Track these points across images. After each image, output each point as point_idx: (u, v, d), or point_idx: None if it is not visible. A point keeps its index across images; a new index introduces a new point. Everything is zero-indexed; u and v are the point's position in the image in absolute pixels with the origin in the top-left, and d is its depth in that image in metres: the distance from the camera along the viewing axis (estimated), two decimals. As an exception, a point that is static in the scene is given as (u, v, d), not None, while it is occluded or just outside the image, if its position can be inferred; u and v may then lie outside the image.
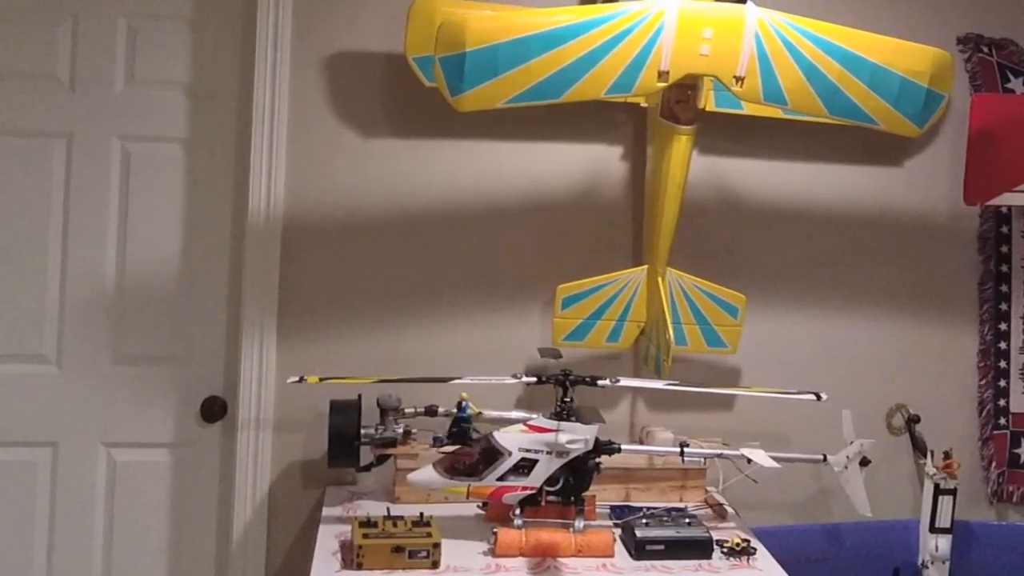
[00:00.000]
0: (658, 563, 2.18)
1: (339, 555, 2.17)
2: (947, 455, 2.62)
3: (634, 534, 2.22)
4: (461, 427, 2.36)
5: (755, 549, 2.25)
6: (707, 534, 2.24)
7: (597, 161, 2.67)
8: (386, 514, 2.23)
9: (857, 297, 2.80)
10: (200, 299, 2.66)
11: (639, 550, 2.19)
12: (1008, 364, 2.82)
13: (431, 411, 2.46)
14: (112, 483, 2.65)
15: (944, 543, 2.59)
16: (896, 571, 2.69)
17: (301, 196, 2.59)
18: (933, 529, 2.59)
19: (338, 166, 2.60)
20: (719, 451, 2.37)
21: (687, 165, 2.39)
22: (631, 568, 2.16)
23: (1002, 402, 2.82)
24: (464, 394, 2.36)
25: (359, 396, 2.40)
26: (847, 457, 2.39)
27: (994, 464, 2.83)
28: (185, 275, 2.65)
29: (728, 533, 2.33)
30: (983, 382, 2.84)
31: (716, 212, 2.72)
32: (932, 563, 2.60)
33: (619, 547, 2.24)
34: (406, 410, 2.45)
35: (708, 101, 2.53)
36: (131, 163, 2.62)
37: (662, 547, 2.20)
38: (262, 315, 2.58)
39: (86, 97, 2.60)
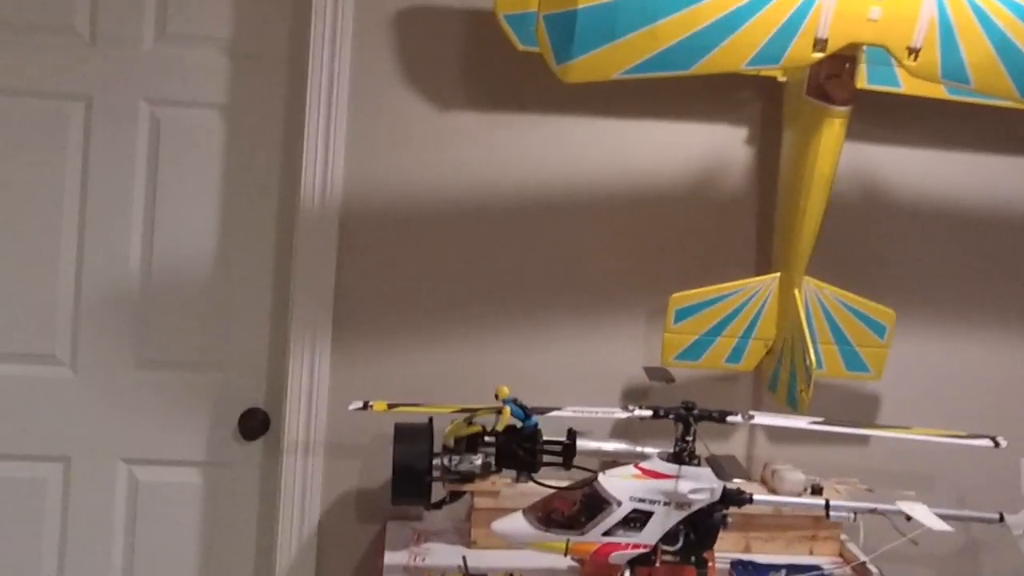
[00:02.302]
0: (807, 646, 1.81)
1: (412, 622, 1.82)
2: None
3: (775, 608, 1.84)
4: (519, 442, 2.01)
5: (920, 630, 1.87)
6: (860, 609, 1.86)
7: (716, 145, 2.34)
8: (466, 570, 1.91)
9: (1017, 314, 2.46)
10: (240, 296, 2.40)
11: (780, 628, 1.82)
12: None
13: None
14: (133, 506, 2.41)
15: None
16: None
17: (363, 179, 2.29)
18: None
19: (407, 144, 2.29)
20: (872, 506, 1.97)
21: (838, 154, 2.04)
22: (774, 651, 1.79)
23: None
24: (504, 388, 1.99)
25: (430, 419, 2.07)
26: (1029, 518, 2.00)
27: None
28: (222, 267, 2.39)
29: (879, 603, 1.96)
30: None
31: (859, 210, 2.38)
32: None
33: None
34: (486, 438, 2.08)
35: (860, 76, 2.16)
36: (160, 132, 2.36)
37: (810, 626, 1.83)
38: (315, 319, 2.28)
39: (109, 54, 2.34)
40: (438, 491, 2.10)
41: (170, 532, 2.41)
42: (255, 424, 2.37)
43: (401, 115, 2.29)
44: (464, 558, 2.00)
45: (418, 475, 2.04)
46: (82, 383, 2.36)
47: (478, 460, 2.09)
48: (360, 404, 1.98)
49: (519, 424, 1.98)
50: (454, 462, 2.08)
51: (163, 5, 2.35)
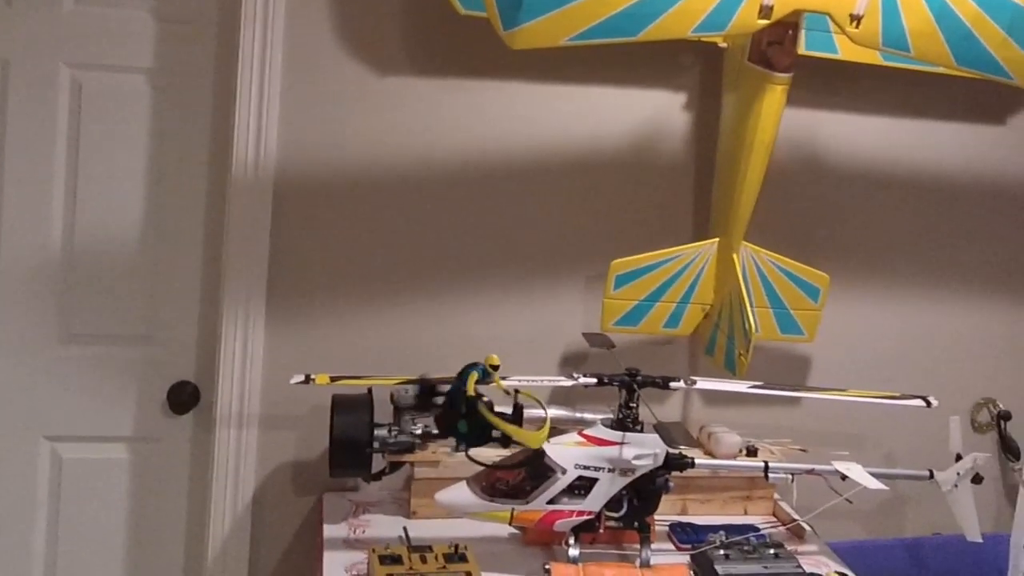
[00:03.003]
0: (745, 607, 1.83)
1: (356, 599, 1.79)
2: (1049, 461, 2.33)
3: (714, 570, 1.84)
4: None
5: (857, 587, 1.91)
6: (800, 570, 1.88)
7: (656, 111, 2.32)
8: (408, 542, 1.86)
9: (946, 277, 2.51)
10: (168, 268, 2.31)
11: (722, 589, 1.84)
12: (1110, 354, 2.52)
13: None
14: (57, 485, 2.32)
15: (1042, 561, 2.30)
16: (980, 592, 2.40)
17: (299, 146, 2.21)
18: (1030, 545, 2.30)
19: (345, 110, 2.22)
20: (809, 467, 2.01)
21: (779, 120, 2.04)
22: (715, 613, 1.81)
23: (1101, 397, 2.52)
24: (494, 357, 1.88)
25: (369, 390, 2.04)
26: (957, 474, 2.05)
27: (1088, 467, 2.55)
28: (150, 237, 2.29)
29: (815, 561, 1.99)
30: (1082, 374, 2.55)
31: (795, 176, 2.39)
32: (1024, 584, 2.30)
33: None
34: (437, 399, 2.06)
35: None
36: (83, 97, 2.23)
37: (749, 587, 1.85)
38: (248, 289, 2.22)
39: (28, 15, 2.21)
40: (377, 462, 2.06)
41: (96, 510, 2.33)
42: (185, 398, 2.30)
43: (338, 80, 2.22)
44: (405, 529, 1.96)
45: (358, 446, 2.00)
46: (1, 359, 2.25)
47: (417, 428, 2.08)
48: (301, 378, 1.92)
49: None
50: (394, 433, 2.06)
51: (84, -40, 2.24)
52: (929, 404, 2.07)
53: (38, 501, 2.30)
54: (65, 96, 2.22)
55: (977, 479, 2.08)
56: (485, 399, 1.86)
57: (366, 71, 2.21)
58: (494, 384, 1.86)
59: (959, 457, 2.10)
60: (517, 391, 1.91)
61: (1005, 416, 2.52)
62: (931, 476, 2.09)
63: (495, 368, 1.86)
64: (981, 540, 2.06)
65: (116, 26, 2.23)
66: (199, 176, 2.29)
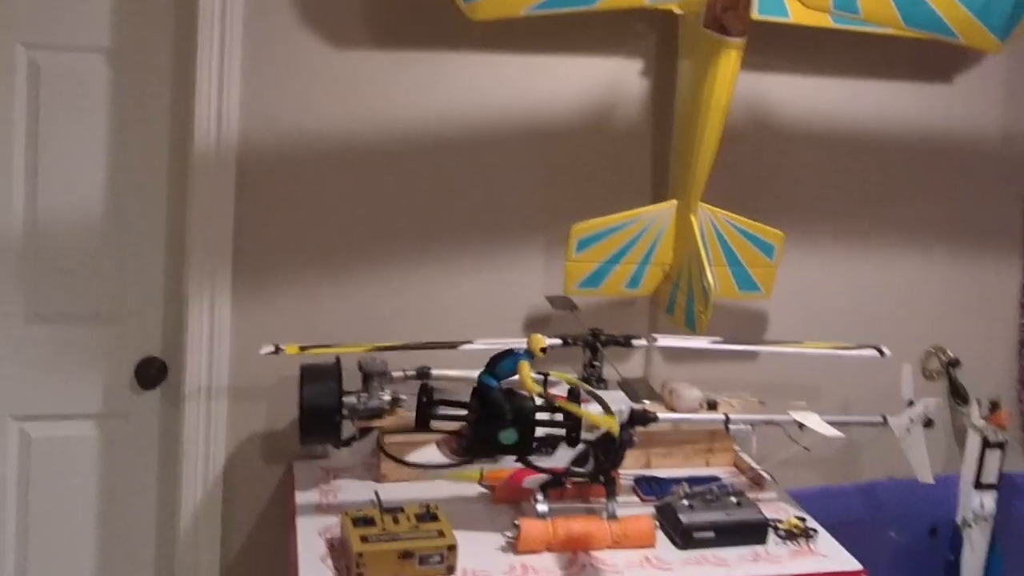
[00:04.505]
0: (708, 553, 1.88)
1: (330, 561, 1.81)
2: (996, 405, 2.40)
3: (678, 519, 1.91)
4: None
5: (815, 531, 1.97)
6: (760, 516, 1.95)
7: (613, 78, 2.31)
8: (380, 505, 1.88)
9: (896, 231, 2.55)
10: (133, 245, 2.27)
11: (686, 539, 1.89)
12: (1053, 300, 2.59)
13: (423, 373, 2.14)
14: (27, 464, 2.29)
15: (990, 500, 2.39)
16: (933, 531, 2.48)
17: (261, 120, 2.18)
18: (978, 485, 2.38)
19: (306, 83, 2.19)
20: (767, 417, 2.07)
21: (733, 84, 2.07)
22: (680, 561, 1.86)
23: (1044, 340, 2.60)
24: (540, 339, 1.75)
25: (337, 358, 2.06)
26: (910, 419, 2.12)
27: (1033, 408, 2.63)
28: (113, 215, 2.25)
29: (776, 508, 2.06)
30: (1024, 320, 2.63)
31: (749, 137, 2.40)
32: (975, 522, 2.38)
33: (659, 533, 1.93)
34: (394, 374, 2.11)
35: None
36: (41, 78, 2.18)
37: (712, 534, 1.90)
38: (213, 263, 2.19)
39: None
40: (347, 429, 2.06)
41: (67, 488, 2.30)
42: (152, 373, 2.28)
43: (298, 54, 2.18)
44: (376, 493, 1.96)
45: (328, 414, 2.01)
46: (-35, 340, 2.23)
47: (386, 395, 2.10)
48: (272, 348, 1.93)
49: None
50: (363, 400, 2.07)
51: (41, -56, 2.17)
52: (882, 353, 2.13)
53: (8, 481, 2.27)
54: (22, 77, 2.16)
55: (928, 423, 2.14)
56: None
57: (325, 45, 2.18)
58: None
59: (911, 403, 2.16)
60: (547, 375, 1.85)
61: (954, 363, 2.58)
62: (884, 422, 2.15)
63: (544, 351, 1.73)
64: (933, 481, 2.13)
65: (73, 5, 2.17)
66: (161, 153, 2.24)
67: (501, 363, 1.76)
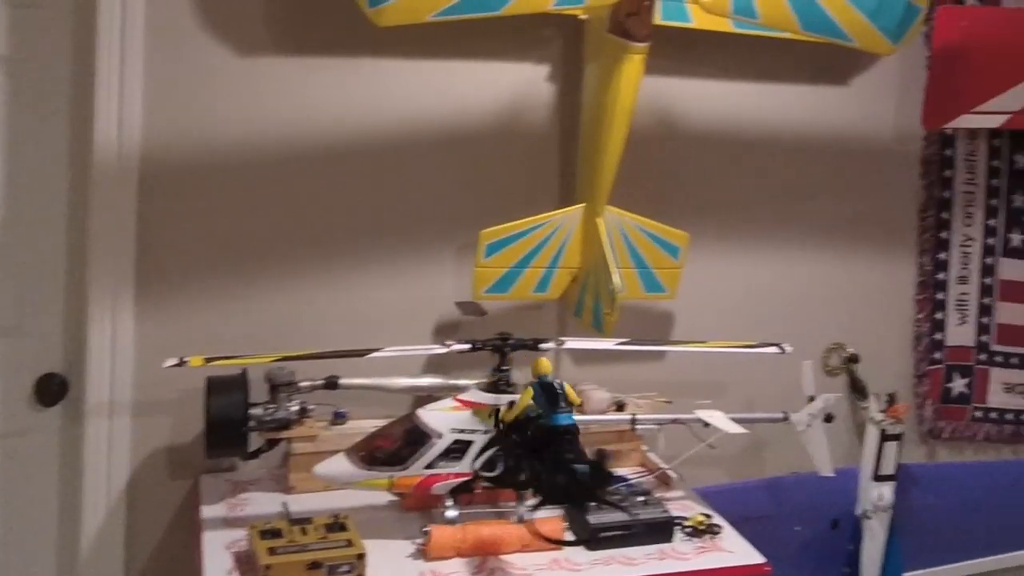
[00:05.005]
0: (617, 552, 1.91)
1: (237, 575, 1.78)
2: (892, 398, 2.48)
3: (586, 521, 1.92)
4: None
5: (720, 527, 2.01)
6: (666, 514, 1.98)
7: (520, 83, 2.32)
8: (287, 515, 1.87)
9: (796, 231, 2.60)
10: (31, 258, 2.18)
11: (594, 539, 1.91)
12: (946, 296, 2.68)
13: (331, 383, 2.11)
14: None
15: (888, 491, 2.46)
16: (835, 523, 2.55)
17: (163, 128, 2.13)
18: (877, 477, 2.45)
19: (210, 90, 2.15)
20: (673, 417, 2.11)
21: (638, 88, 2.09)
22: (588, 562, 1.88)
23: (938, 335, 2.68)
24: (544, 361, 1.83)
25: (244, 370, 2.03)
26: (810, 415, 2.17)
27: (928, 401, 2.71)
28: (10, 227, 2.15)
29: (682, 506, 2.10)
30: (920, 316, 2.70)
31: (654, 140, 2.42)
32: (875, 513, 2.45)
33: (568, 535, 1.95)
34: (301, 384, 2.09)
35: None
36: None
37: (619, 533, 1.92)
38: (115, 275, 2.15)
39: None
40: (255, 441, 2.05)
41: (-37, 508, 2.22)
42: (53, 389, 2.21)
43: (202, 60, 2.14)
44: (285, 504, 1.96)
45: (234, 426, 1.99)
46: None
47: (294, 405, 2.09)
48: (175, 361, 1.89)
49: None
50: (270, 411, 2.06)
51: (-75, -58, 2.07)
52: (783, 351, 2.18)
53: (-101, 504, 2.18)
54: (-89, 86, 2.08)
55: (828, 418, 2.20)
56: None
57: (229, 52, 2.15)
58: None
59: (811, 399, 2.22)
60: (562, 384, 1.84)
61: (854, 359, 2.63)
62: (786, 418, 2.21)
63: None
64: (833, 474, 2.19)
65: (-37, 12, 2.09)
66: (60, 162, 2.16)
67: (543, 399, 1.77)
